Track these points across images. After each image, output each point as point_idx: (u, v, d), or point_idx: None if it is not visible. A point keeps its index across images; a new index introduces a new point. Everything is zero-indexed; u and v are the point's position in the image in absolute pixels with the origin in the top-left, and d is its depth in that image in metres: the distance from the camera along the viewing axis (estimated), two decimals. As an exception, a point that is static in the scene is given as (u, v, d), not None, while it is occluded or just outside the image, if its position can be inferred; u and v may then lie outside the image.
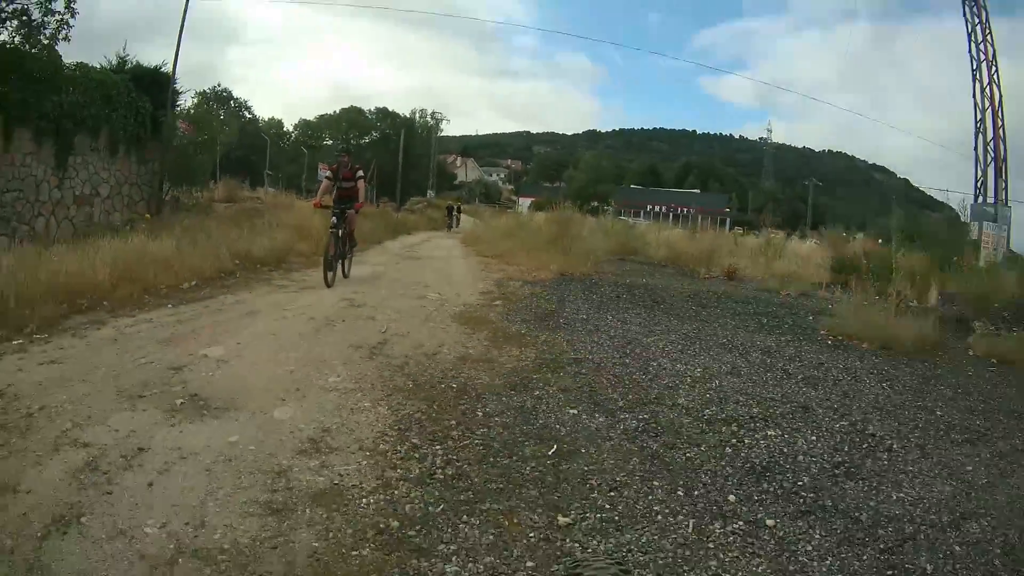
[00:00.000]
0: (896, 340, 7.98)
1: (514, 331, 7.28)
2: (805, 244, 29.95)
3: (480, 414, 4.68)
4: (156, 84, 18.13)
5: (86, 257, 8.74)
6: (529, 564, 3.00)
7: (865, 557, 3.21)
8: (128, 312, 7.35)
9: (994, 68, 22.75)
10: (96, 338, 6.13)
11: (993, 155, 22.97)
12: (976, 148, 23.46)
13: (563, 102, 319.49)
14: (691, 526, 3.42)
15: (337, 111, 71.33)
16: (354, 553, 2.95)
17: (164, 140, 18.46)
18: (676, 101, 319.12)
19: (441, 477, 3.72)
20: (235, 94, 56.74)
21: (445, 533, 3.20)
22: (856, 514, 3.61)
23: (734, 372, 6.19)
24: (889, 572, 3.11)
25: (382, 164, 44.31)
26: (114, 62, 18.38)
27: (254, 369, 5.26)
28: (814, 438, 4.67)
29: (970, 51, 22.84)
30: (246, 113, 53.32)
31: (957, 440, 4.94)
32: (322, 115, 73.41)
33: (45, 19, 14.92)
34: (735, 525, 3.43)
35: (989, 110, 22.36)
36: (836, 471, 4.15)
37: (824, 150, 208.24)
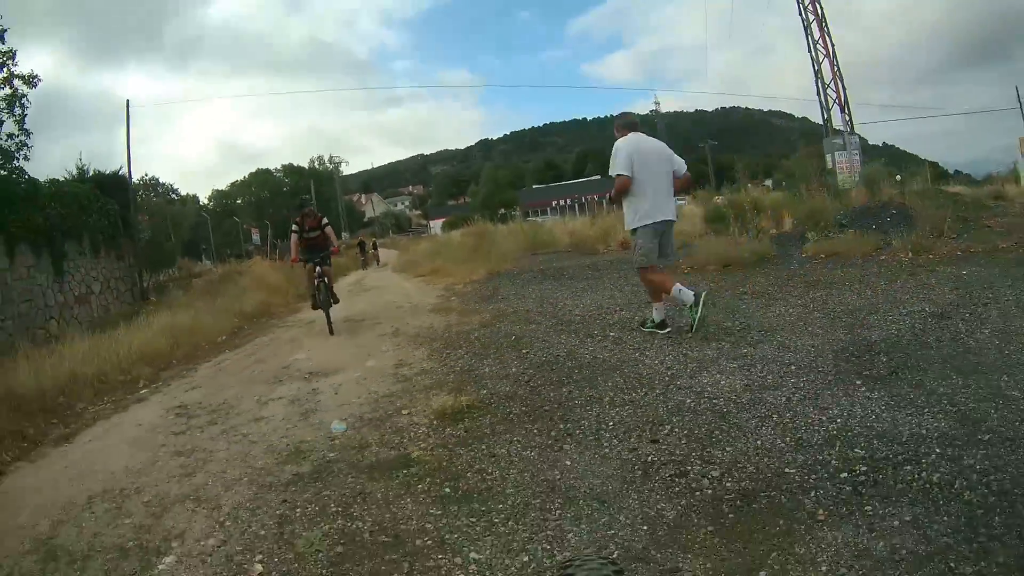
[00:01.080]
0: (736, 260, 11.69)
1: (471, 308, 11.08)
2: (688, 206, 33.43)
3: (471, 338, 8.35)
4: (117, 186, 21.19)
5: (134, 337, 11.29)
6: (512, 369, 6.58)
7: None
8: (202, 361, 10.23)
9: (824, 24, 27.40)
10: (203, 373, 9.05)
11: (835, 96, 27.59)
12: (818, 94, 28.14)
13: (451, 117, 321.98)
14: (572, 342, 7.23)
15: (247, 176, 74.02)
16: (434, 392, 6.29)
17: (134, 235, 21.39)
18: (562, 93, 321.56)
19: (465, 355, 7.41)
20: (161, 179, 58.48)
21: (478, 369, 6.79)
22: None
23: (611, 298, 9.98)
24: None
25: (294, 216, 46.92)
26: (75, 172, 21.56)
27: (332, 357, 8.58)
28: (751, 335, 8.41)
29: (800, 13, 27.43)
30: (173, 195, 55.66)
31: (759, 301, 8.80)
32: (233, 183, 75.99)
33: (7, 144, 17.97)
34: (593, 340, 7.16)
35: (825, 60, 26.98)
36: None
37: (717, 108, 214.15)
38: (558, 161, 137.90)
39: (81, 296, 18.49)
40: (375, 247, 40.79)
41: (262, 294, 18.10)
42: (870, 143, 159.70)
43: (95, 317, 18.17)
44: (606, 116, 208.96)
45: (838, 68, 28.05)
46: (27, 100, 21.43)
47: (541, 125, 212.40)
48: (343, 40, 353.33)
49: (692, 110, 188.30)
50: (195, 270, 28.56)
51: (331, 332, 11.02)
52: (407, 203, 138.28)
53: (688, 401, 5.11)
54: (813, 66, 27.99)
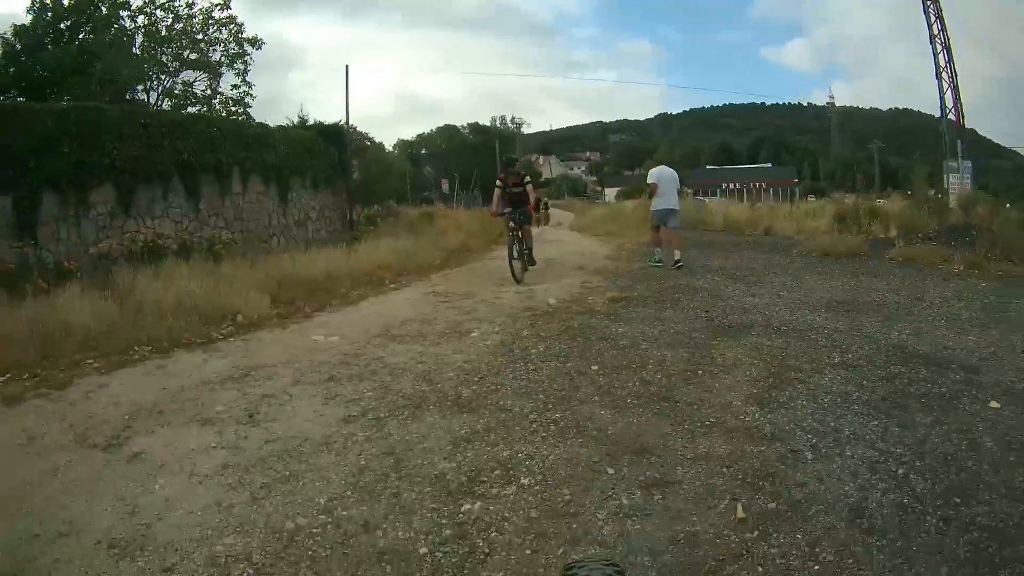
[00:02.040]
0: (833, 252, 15.23)
1: (634, 259, 15.08)
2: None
3: (630, 273, 12.38)
4: (337, 135, 26.10)
5: (370, 255, 15.03)
6: (653, 288, 10.11)
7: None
8: (430, 273, 14.07)
9: (950, 54, 29.81)
10: (436, 279, 13.09)
11: (956, 122, 30.41)
12: (941, 117, 30.87)
13: (631, 88, 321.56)
14: (686, 280, 10.77)
15: (433, 129, 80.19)
16: (607, 292, 10.19)
17: (348, 176, 26.44)
18: (742, 74, 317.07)
19: (626, 281, 10.81)
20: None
21: (632, 287, 10.20)
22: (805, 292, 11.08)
23: (745, 265, 13.62)
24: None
25: (482, 173, 51.81)
26: (296, 121, 27.07)
27: (537, 277, 12.59)
28: (796, 292, 11.94)
29: (931, 41, 29.84)
30: (367, 143, 61.69)
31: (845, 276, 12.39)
32: (420, 134, 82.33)
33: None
34: (694, 277, 10.88)
35: (949, 91, 29.44)
36: (829, 309, 11.63)
37: (891, 108, 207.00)
38: (734, 144, 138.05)
39: (300, 220, 22.88)
40: (547, 207, 41.17)
41: (461, 235, 22.02)
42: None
43: (309, 239, 22.25)
44: (785, 103, 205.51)
45: (959, 99, 30.18)
46: (250, 58, 27.21)
47: (721, 105, 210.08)
48: (527, 3, 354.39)
49: (867, 107, 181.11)
50: (392, 210, 33.46)
51: (516, 280, 12.30)
52: (583, 168, 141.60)
53: (706, 283, 9.13)
54: (939, 94, 30.38)
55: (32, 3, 24.80)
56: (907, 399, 5.35)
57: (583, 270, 13.51)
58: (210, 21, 27.53)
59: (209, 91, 28.15)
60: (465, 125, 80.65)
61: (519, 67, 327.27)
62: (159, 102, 26.05)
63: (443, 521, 3.64)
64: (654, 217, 13.92)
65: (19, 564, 3.31)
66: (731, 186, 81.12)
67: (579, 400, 5.45)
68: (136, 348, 7.33)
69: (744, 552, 3.26)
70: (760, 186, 75.89)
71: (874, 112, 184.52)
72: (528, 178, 14.08)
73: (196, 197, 17.31)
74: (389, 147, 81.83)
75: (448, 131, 78.11)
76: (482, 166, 53.47)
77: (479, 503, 3.81)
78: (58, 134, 13.88)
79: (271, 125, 23.82)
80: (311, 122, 27.08)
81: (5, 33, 24.55)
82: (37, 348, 7.04)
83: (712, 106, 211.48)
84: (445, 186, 49.08)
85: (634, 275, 12.42)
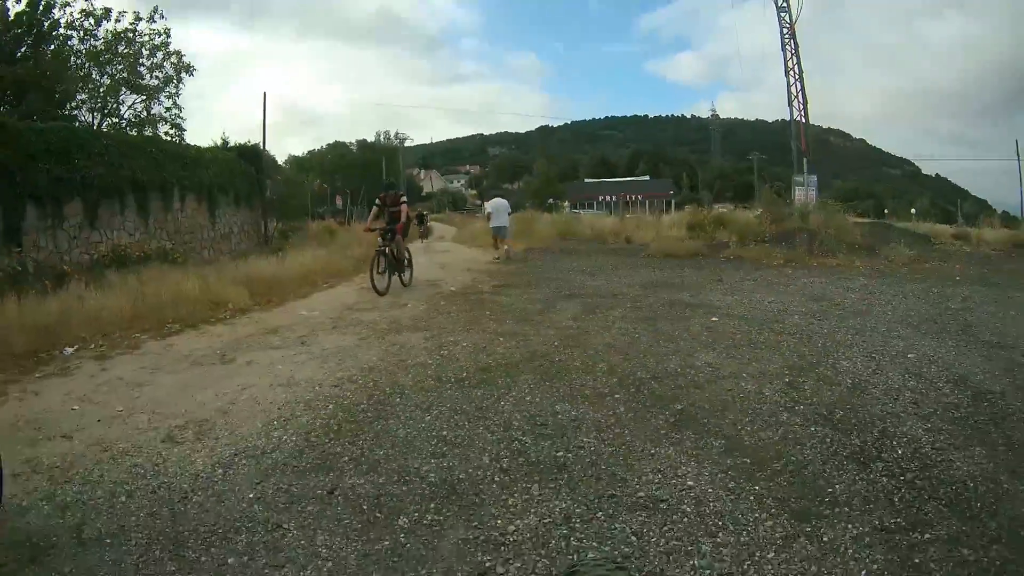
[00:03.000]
0: (676, 253, 19.61)
1: (511, 262, 19.34)
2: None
3: (508, 271, 16.64)
4: (253, 155, 29.39)
5: (296, 262, 18.61)
6: (524, 279, 14.26)
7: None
8: (352, 276, 17.74)
9: (801, 83, 35.36)
10: (358, 281, 16.33)
11: (803, 145, 35.89)
12: (792, 143, 36.32)
13: (514, 101, 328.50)
14: (551, 273, 14.95)
15: (323, 146, 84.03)
16: (490, 282, 14.19)
17: (264, 194, 29.88)
18: (626, 87, 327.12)
19: (505, 275, 15.10)
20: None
21: (510, 279, 14.38)
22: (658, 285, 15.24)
23: (596, 264, 18.03)
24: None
25: (369, 188, 55.00)
26: (219, 142, 30.57)
27: (437, 276, 16.71)
28: (626, 278, 16.08)
29: (786, 73, 35.25)
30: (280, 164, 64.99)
31: (679, 271, 16.67)
32: (310, 151, 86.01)
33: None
34: (560, 271, 15.09)
35: (799, 116, 34.98)
36: (643, 287, 15.74)
37: (777, 120, 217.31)
38: (612, 157, 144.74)
39: (225, 234, 26.08)
40: (425, 220, 42.64)
41: (363, 247, 24.72)
42: (923, 172, 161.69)
43: (233, 250, 25.26)
44: (667, 115, 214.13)
45: (807, 125, 36.22)
46: (183, 84, 30.70)
47: (603, 118, 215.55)
48: (414, 14, 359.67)
49: (753, 119, 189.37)
50: (299, 226, 36.96)
51: (378, 293, 13.52)
52: (463, 182, 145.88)
53: (563, 275, 13.07)
54: (791, 118, 36.16)
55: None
56: (661, 318, 9.88)
57: (470, 271, 17.65)
58: (156, 50, 30.46)
59: (145, 113, 30.88)
60: (353, 142, 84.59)
61: (405, 79, 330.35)
62: (95, 121, 28.62)
63: (429, 359, 7.75)
64: (492, 232, 21.59)
65: (206, 411, 6.96)
66: (608, 199, 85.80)
67: (480, 323, 9.84)
68: (169, 324, 10.58)
69: (556, 353, 7.37)
70: (636, 198, 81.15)
71: (759, 123, 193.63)
72: (405, 199, 15.93)
73: (146, 212, 20.25)
74: (280, 161, 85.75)
75: (338, 148, 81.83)
76: (368, 182, 56.71)
77: (444, 351, 8.10)
78: (39, 151, 16.30)
79: (202, 146, 27.18)
80: (231, 143, 30.55)
81: None
82: (91, 327, 10.02)
83: (594, 118, 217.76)
84: (339, 202, 52.34)
85: (510, 273, 16.62)
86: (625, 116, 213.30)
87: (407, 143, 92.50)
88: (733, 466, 4.75)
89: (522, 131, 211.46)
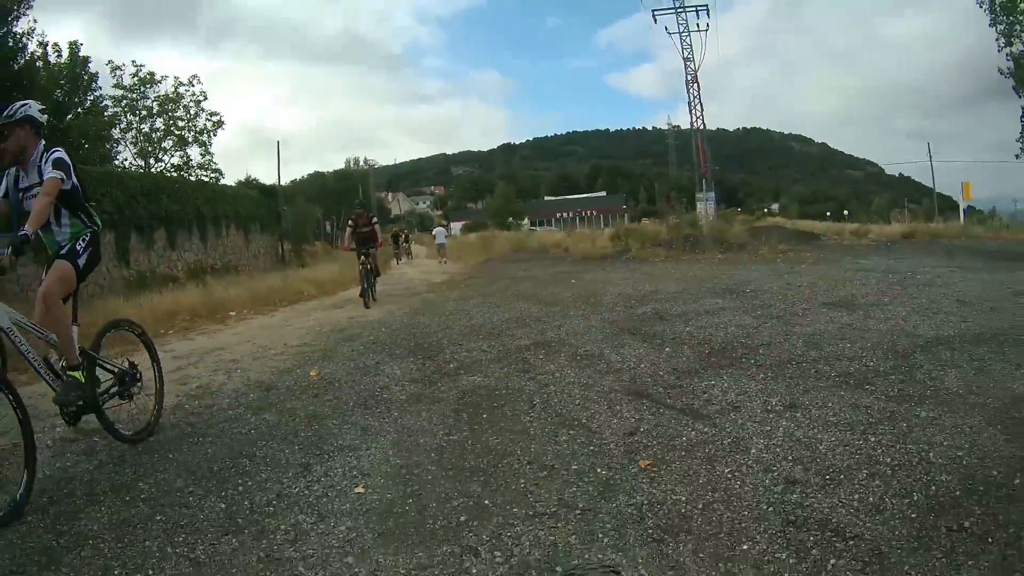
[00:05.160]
0: (592, 256, 28.10)
1: (472, 269, 28.08)
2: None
3: (469, 275, 25.08)
4: (271, 192, 38.38)
5: (319, 274, 27.66)
6: (479, 280, 22.47)
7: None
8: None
9: (702, 115, 44.57)
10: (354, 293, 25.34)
11: (704, 164, 44.93)
12: (696, 164, 45.50)
13: (477, 118, 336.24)
14: (505, 274, 23.38)
15: (305, 176, 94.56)
16: (452, 280, 22.61)
17: (280, 223, 38.57)
18: (587, 102, 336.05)
19: (466, 279, 23.69)
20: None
21: (466, 280, 22.80)
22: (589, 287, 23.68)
23: (531, 266, 26.51)
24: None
25: (344, 213, 63.16)
26: (242, 179, 39.43)
27: (418, 278, 25.31)
28: (543, 271, 24.35)
29: (690, 108, 44.41)
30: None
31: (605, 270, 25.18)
32: (293, 180, 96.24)
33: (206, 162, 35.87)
34: (507, 276, 23.48)
35: (700, 146, 43.96)
36: (551, 274, 24.13)
37: (739, 128, 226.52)
38: (573, 173, 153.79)
39: (255, 255, 34.69)
40: (407, 240, 46.98)
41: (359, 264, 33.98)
42: (886, 173, 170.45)
43: (261, 267, 33.48)
44: (628, 128, 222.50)
45: (707, 152, 45.77)
46: (212, 136, 39.43)
47: (564, 133, 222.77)
48: (377, 34, 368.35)
49: (714, 128, 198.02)
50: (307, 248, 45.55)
51: (366, 306, 15.86)
52: (428, 203, 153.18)
53: (503, 271, 21.45)
54: (693, 141, 45.85)
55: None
56: (551, 283, 18.01)
57: (448, 274, 26.12)
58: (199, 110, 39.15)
59: (184, 159, 39.72)
60: (331, 171, 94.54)
61: (368, 98, 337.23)
62: (144, 166, 37.00)
63: (450, 307, 15.02)
64: (437, 247, 33.91)
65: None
66: (566, 215, 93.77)
67: (469, 292, 17.68)
68: (276, 303, 18.48)
69: (492, 294, 15.17)
70: (592, 213, 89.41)
71: (720, 133, 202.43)
72: (375, 219, 18.47)
73: (204, 238, 28.50)
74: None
75: (319, 178, 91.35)
76: (345, 206, 64.84)
77: (461, 307, 14.90)
78: (138, 192, 24.04)
79: (236, 186, 36.15)
80: (254, 181, 39.79)
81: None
82: (228, 306, 17.44)
83: (555, 134, 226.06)
84: (328, 227, 60.25)
85: (474, 275, 24.79)
86: (587, 130, 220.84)
87: (364, 163, 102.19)
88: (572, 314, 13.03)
89: (485, 149, 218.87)
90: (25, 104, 5.40)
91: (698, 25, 45.35)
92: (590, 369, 7.40)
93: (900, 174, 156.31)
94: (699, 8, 44.87)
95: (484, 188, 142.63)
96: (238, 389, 7.51)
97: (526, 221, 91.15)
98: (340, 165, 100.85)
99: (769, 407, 5.64)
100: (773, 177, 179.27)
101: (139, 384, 5.99)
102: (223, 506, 4.30)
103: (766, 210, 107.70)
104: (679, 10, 44.83)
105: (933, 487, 3.92)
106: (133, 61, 39.65)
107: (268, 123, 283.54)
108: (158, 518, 4.12)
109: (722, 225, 31.85)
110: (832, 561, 3.24)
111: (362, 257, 16.79)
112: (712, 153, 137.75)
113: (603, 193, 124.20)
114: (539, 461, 4.81)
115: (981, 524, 3.44)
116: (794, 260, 20.62)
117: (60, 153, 5.36)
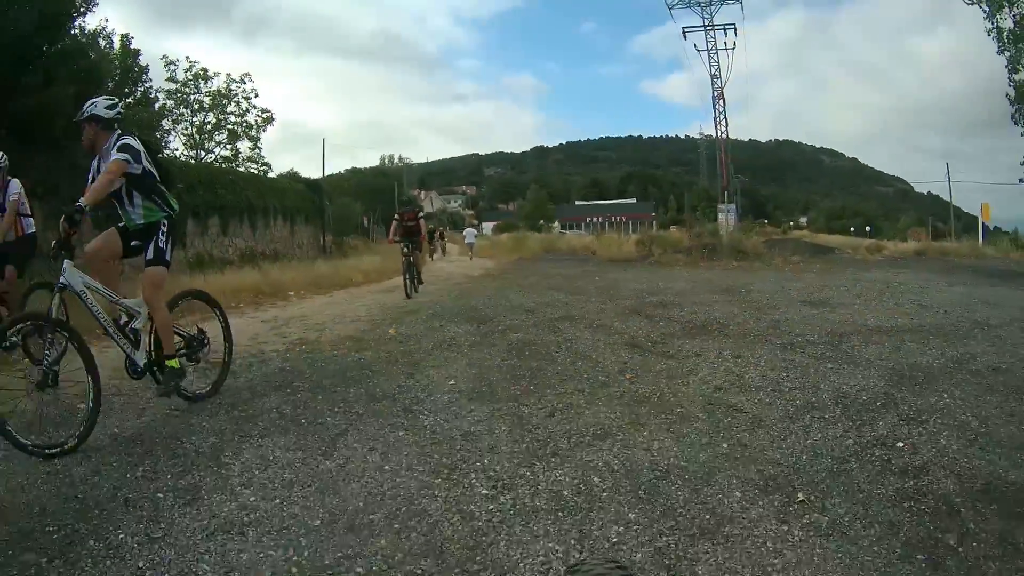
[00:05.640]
0: (617, 259, 30.62)
1: (507, 265, 30.77)
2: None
3: (505, 268, 27.57)
4: (316, 187, 41.20)
5: (363, 263, 30.42)
6: (516, 273, 24.65)
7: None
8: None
9: (724, 125, 46.97)
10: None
11: (726, 177, 47.29)
12: (720, 180, 47.53)
13: (510, 121, 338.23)
14: (538, 271, 25.81)
15: (344, 171, 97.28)
16: (490, 272, 24.95)
17: (323, 215, 41.35)
18: (621, 108, 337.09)
19: (502, 271, 25.93)
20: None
21: (504, 273, 25.20)
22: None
23: (563, 265, 28.92)
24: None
25: (383, 209, 65.90)
26: (284, 173, 42.30)
27: (459, 270, 27.72)
28: (571, 269, 26.97)
29: (715, 117, 46.86)
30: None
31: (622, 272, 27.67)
32: (330, 175, 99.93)
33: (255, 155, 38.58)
34: (541, 272, 25.95)
35: (723, 162, 46.42)
36: (578, 272, 26.68)
37: (771, 140, 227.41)
38: (604, 179, 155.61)
39: (300, 244, 37.46)
40: (443, 237, 48.58)
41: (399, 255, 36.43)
42: (915, 190, 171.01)
43: (304, 256, 35.44)
44: (661, 136, 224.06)
45: (730, 169, 47.89)
46: (262, 131, 42.00)
47: (597, 138, 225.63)
48: (412, 33, 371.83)
49: (746, 139, 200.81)
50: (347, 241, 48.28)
51: (407, 296, 16.73)
52: (460, 202, 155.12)
53: (535, 267, 23.92)
54: (717, 155, 48.06)
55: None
56: (577, 278, 19.62)
57: (484, 268, 28.63)
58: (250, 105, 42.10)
59: (234, 152, 42.56)
60: (368, 168, 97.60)
61: (403, 98, 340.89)
62: (194, 157, 39.81)
63: (491, 294, 17.40)
64: (467, 245, 38.00)
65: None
66: (596, 219, 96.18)
67: (505, 283, 19.84)
68: (328, 289, 21.26)
69: (528, 283, 17.82)
70: (621, 219, 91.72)
71: (752, 143, 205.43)
72: (422, 214, 19.29)
73: (253, 226, 31.19)
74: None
75: (356, 174, 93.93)
76: (383, 203, 67.61)
77: (502, 293, 17.36)
78: (195, 181, 26.56)
79: (284, 179, 38.84)
80: (300, 176, 42.95)
81: None
82: (272, 288, 19.80)
83: (588, 139, 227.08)
84: (366, 221, 63.03)
85: (507, 271, 27.22)
86: (619, 136, 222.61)
87: (398, 161, 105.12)
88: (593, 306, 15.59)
89: (517, 151, 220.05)
90: (92, 103, 6.19)
91: (725, 44, 47.42)
92: (601, 332, 9.95)
93: (929, 192, 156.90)
94: (727, 27, 47.06)
95: (515, 190, 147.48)
96: (333, 340, 10.01)
97: (556, 224, 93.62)
98: (373, 162, 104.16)
99: (720, 356, 8.22)
100: (803, 190, 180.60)
101: (207, 348, 6.85)
102: (363, 390, 6.96)
103: (791, 223, 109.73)
104: (707, 28, 47.15)
105: (813, 399, 6.42)
106: (187, 57, 41.31)
107: (301, 117, 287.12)
108: (319, 397, 6.73)
109: (740, 236, 34.42)
110: (728, 420, 5.84)
111: (405, 250, 17.56)
112: (743, 164, 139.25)
113: (633, 200, 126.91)
114: (563, 373, 7.52)
115: (842, 416, 5.93)
116: (802, 270, 22.93)
117: (128, 139, 6.11)
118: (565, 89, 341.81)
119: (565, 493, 4.43)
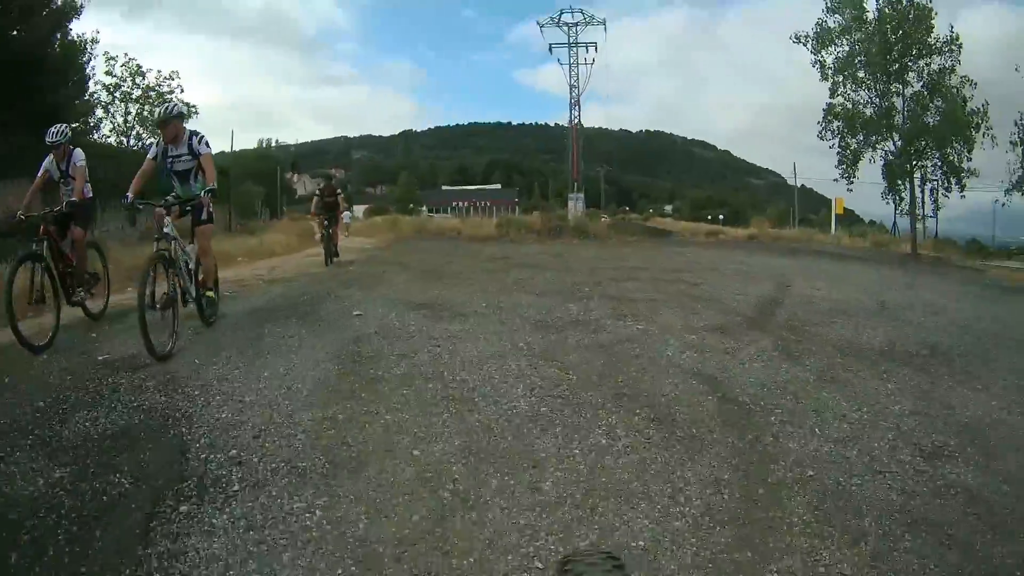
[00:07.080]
0: (479, 237, 38.30)
1: (384, 244, 37.29)
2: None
3: (383, 248, 34.92)
4: (224, 171, 46.88)
5: (270, 240, 37.48)
6: (394, 247, 32.30)
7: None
8: (310, 247, 36.11)
9: (577, 111, 55.98)
10: (318, 249, 34.80)
11: (576, 170, 55.84)
12: (571, 168, 56.06)
13: (383, 105, 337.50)
14: (408, 250, 33.52)
15: (225, 152, 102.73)
16: (369, 252, 32.64)
17: (229, 198, 47.90)
18: (494, 96, 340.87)
19: (380, 250, 33.56)
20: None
21: (382, 253, 33.22)
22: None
23: (429, 245, 36.27)
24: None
25: (265, 192, 71.94)
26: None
27: (351, 246, 34.99)
28: (441, 247, 34.81)
29: (570, 120, 55.40)
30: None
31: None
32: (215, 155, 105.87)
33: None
34: (412, 248, 33.65)
35: (574, 159, 54.88)
36: (449, 248, 34.48)
37: (641, 130, 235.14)
38: (471, 165, 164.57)
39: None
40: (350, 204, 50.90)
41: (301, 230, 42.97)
42: (787, 183, 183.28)
43: (214, 236, 42.22)
44: (531, 123, 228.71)
45: (579, 164, 56.56)
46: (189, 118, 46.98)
47: (466, 124, 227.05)
48: (298, 14, 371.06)
49: (616, 129, 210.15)
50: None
51: (327, 263, 19.21)
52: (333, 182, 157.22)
53: (411, 245, 31.67)
54: (569, 154, 57.05)
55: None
56: (448, 253, 27.78)
57: (369, 246, 34.95)
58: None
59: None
60: (246, 150, 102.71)
61: (279, 78, 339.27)
62: (123, 145, 44.11)
63: (392, 259, 25.24)
64: (345, 225, 35.94)
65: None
66: (462, 204, 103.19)
67: (397, 256, 27.95)
68: (264, 256, 28.39)
69: (407, 256, 25.78)
70: (485, 204, 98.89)
71: (622, 133, 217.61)
72: (341, 192, 21.85)
73: None
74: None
75: (240, 158, 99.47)
76: (266, 186, 73.87)
77: (399, 258, 25.49)
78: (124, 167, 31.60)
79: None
80: None
81: None
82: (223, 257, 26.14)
83: (457, 124, 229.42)
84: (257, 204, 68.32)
85: (391, 247, 33.93)
86: (489, 123, 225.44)
87: (275, 145, 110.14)
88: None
89: (386, 134, 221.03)
90: (174, 104, 8.83)
91: (586, 60, 55.58)
92: (468, 269, 18.11)
93: (802, 185, 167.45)
94: (588, 45, 55.71)
95: (384, 174, 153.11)
96: (312, 275, 17.87)
97: (424, 208, 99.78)
98: (251, 144, 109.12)
99: (529, 276, 16.58)
100: (672, 180, 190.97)
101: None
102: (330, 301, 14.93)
103: (651, 211, 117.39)
104: (572, 46, 55.57)
105: (555, 289, 14.62)
106: (125, 53, 46.38)
107: (187, 97, 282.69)
108: (355, 288, 14.75)
109: (586, 220, 43.52)
110: (513, 289, 14.05)
111: (325, 222, 20.08)
112: (611, 154, 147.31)
113: (498, 186, 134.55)
114: (450, 277, 15.73)
115: (740, 328, 14.18)
116: (629, 246, 30.75)
117: (201, 134, 8.32)
118: (441, 75, 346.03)
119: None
